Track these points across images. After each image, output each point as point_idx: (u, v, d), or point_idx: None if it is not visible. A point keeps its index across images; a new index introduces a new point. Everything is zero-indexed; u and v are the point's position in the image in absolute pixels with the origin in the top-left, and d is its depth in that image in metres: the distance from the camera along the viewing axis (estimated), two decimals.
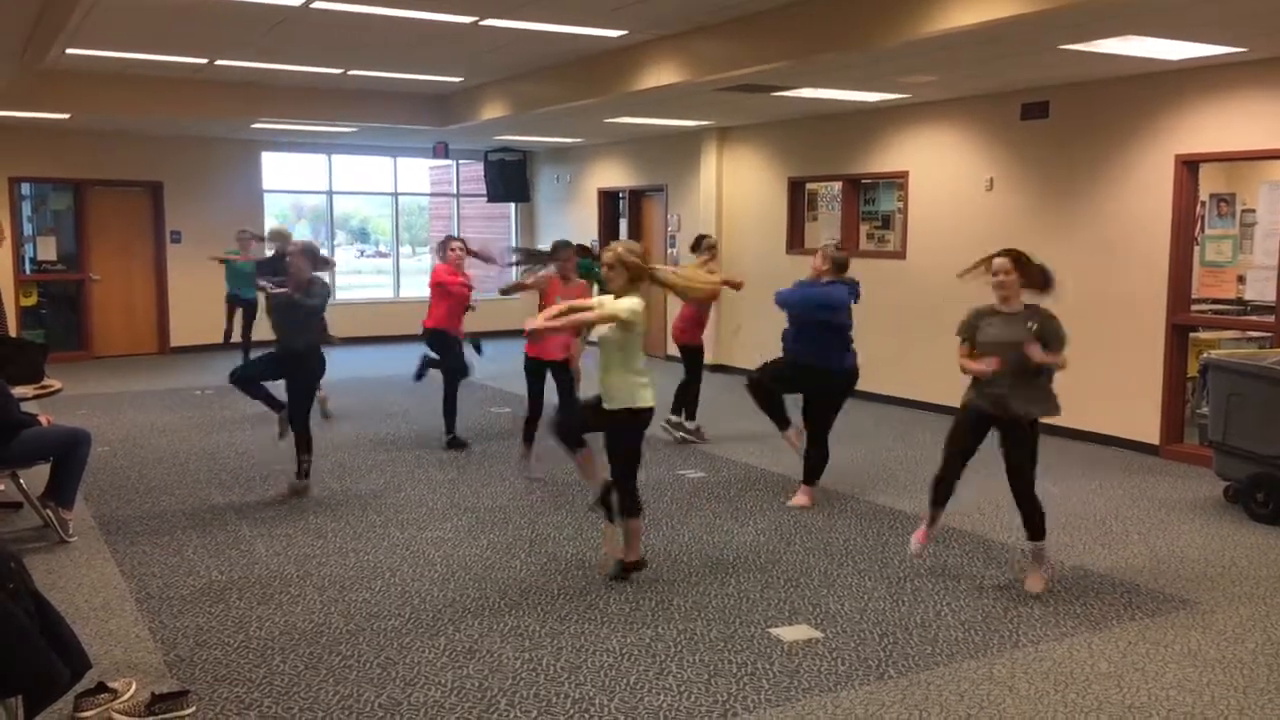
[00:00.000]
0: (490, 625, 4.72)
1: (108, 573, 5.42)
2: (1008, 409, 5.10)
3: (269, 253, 10.43)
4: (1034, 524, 5.20)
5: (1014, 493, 5.21)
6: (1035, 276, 5.13)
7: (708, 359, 9.55)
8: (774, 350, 6.82)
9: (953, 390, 5.50)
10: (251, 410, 9.80)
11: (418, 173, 17.33)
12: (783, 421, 6.77)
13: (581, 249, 8.86)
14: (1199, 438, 7.72)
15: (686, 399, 8.74)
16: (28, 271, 13.55)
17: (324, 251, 7.39)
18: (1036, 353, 4.94)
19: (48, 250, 13.72)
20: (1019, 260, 5.13)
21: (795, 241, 11.75)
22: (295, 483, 6.95)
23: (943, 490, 5.40)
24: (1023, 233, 9.10)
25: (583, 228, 15.30)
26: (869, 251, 10.92)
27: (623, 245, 5.19)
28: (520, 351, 7.40)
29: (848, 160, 10.99)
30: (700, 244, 8.85)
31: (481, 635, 4.61)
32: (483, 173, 16.05)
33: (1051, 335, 5.05)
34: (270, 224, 11.65)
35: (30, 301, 13.53)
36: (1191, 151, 7.93)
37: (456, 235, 9.41)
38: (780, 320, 6.77)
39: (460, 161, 16.56)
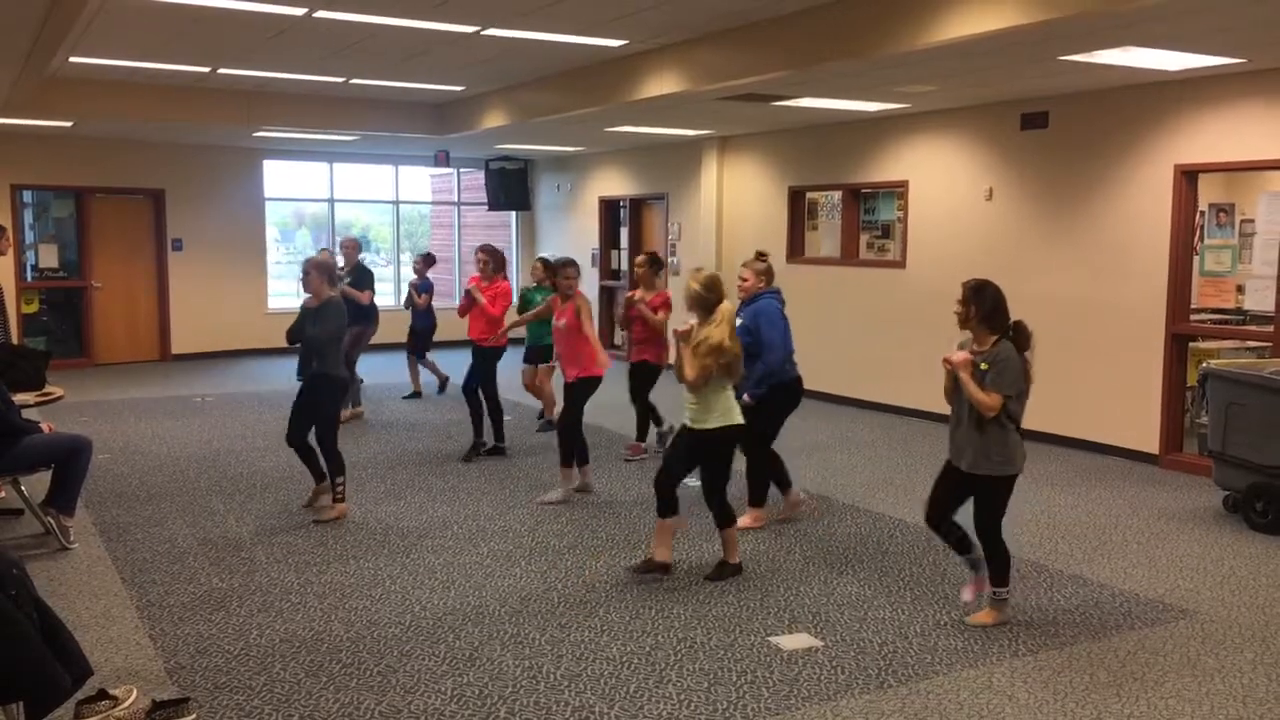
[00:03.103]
0: (490, 633, 4.73)
1: (108, 580, 5.43)
2: (958, 458, 4.80)
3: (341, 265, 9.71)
4: (993, 569, 4.83)
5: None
6: (984, 308, 4.66)
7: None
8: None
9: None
10: (252, 419, 9.83)
11: (419, 181, 17.37)
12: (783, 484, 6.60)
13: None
14: (1198, 447, 7.72)
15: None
16: (29, 279, 13.56)
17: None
18: (953, 359, 4.62)
19: (49, 258, 13.75)
20: (973, 291, 4.70)
21: (796, 250, 11.76)
22: (333, 505, 6.67)
23: (940, 533, 4.97)
24: (1022, 242, 9.14)
25: (584, 236, 15.34)
26: (869, 260, 10.93)
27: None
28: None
29: (848, 169, 11.02)
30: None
31: (482, 643, 4.62)
32: (484, 181, 16.09)
33: (996, 376, 4.58)
34: (343, 235, 11.21)
35: (32, 309, 13.55)
36: (1190, 161, 7.95)
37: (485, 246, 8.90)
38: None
39: (461, 170, 16.60)
